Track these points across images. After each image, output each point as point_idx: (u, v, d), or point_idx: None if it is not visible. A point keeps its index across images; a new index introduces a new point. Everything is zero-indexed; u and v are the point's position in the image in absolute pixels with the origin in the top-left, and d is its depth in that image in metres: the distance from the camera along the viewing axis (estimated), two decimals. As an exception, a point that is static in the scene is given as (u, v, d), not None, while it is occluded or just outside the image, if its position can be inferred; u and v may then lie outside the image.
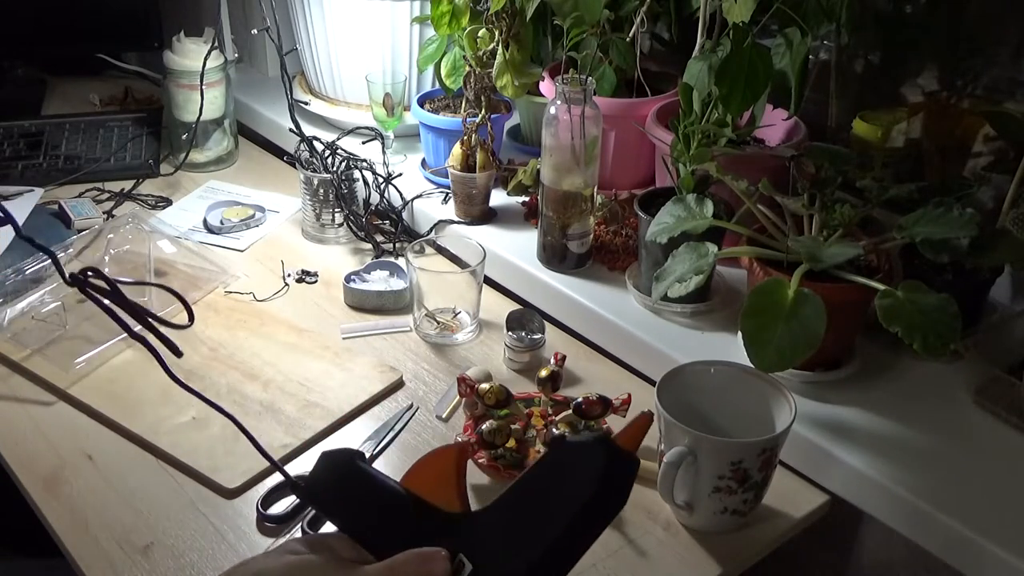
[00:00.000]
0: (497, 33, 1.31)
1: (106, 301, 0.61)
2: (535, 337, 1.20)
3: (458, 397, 1.12)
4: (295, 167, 1.45)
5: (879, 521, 0.98)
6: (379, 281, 1.33)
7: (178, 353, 0.63)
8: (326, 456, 0.67)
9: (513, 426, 1.05)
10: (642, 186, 1.38)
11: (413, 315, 1.26)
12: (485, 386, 1.07)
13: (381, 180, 1.45)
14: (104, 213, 1.51)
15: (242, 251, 1.44)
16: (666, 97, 1.34)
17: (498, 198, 1.43)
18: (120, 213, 1.51)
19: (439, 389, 1.16)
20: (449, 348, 1.24)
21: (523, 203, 1.42)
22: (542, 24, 1.42)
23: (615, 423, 1.09)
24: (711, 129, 1.14)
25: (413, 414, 1.13)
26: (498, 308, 1.29)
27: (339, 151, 1.43)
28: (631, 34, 1.29)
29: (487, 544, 0.60)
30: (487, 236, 1.35)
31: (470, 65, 1.35)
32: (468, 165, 1.38)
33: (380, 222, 1.47)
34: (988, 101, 1.22)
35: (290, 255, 1.42)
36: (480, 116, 1.38)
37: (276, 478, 1.00)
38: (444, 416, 1.12)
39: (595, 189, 1.24)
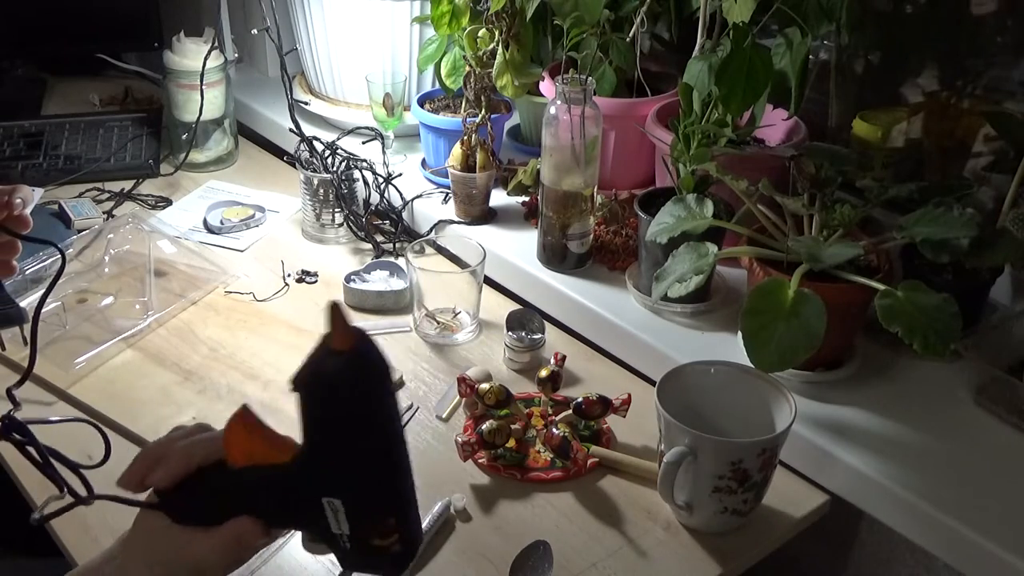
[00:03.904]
0: (497, 33, 1.31)
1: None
2: (535, 337, 1.20)
3: (458, 397, 1.12)
4: (295, 167, 1.45)
5: (879, 521, 0.98)
6: (379, 281, 1.33)
7: (83, 501, 0.69)
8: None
9: (513, 426, 1.05)
10: (642, 186, 1.38)
11: (413, 315, 1.26)
12: (485, 386, 1.07)
13: (381, 180, 1.45)
14: (104, 213, 1.51)
15: (242, 251, 1.44)
16: (666, 97, 1.34)
17: (498, 198, 1.43)
18: (120, 213, 1.51)
19: (439, 389, 1.16)
20: (449, 348, 1.24)
21: (523, 203, 1.42)
22: (542, 24, 1.42)
23: (615, 423, 1.09)
24: (711, 129, 1.14)
25: (413, 414, 1.12)
26: (498, 308, 1.29)
27: (339, 151, 1.43)
28: (631, 34, 1.29)
29: (333, 478, 0.62)
30: (487, 236, 1.35)
31: (470, 65, 1.35)
32: (468, 165, 1.38)
33: (380, 222, 1.47)
34: (988, 101, 1.22)
35: (290, 255, 1.42)
36: (480, 116, 1.37)
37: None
38: (444, 416, 1.12)
39: (595, 189, 1.24)
